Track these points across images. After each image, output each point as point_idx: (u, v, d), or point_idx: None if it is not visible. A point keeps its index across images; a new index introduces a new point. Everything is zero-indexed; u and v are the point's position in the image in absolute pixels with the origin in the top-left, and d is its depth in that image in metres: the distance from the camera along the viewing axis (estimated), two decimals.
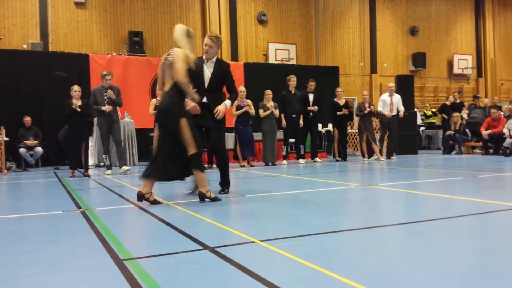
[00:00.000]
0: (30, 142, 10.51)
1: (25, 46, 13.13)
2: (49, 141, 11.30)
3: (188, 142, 4.37)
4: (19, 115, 10.98)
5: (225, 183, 5.34)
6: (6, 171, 9.56)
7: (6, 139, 9.66)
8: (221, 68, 5.18)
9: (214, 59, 5.19)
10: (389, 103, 10.77)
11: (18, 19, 13.30)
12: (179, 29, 4.81)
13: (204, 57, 5.20)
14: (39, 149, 10.62)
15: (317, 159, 10.58)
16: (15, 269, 2.38)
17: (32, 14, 13.43)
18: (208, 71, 5.12)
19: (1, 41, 12.87)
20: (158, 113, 4.72)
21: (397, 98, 10.87)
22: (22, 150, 10.42)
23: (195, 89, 4.90)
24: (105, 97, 8.33)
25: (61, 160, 11.05)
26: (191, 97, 4.55)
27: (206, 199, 4.54)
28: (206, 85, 5.09)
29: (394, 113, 10.77)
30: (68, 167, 8.63)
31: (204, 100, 4.99)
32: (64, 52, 12.78)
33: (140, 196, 4.42)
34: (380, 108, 10.91)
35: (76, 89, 8.18)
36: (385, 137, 10.99)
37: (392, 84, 11.07)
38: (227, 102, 5.08)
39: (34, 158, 10.66)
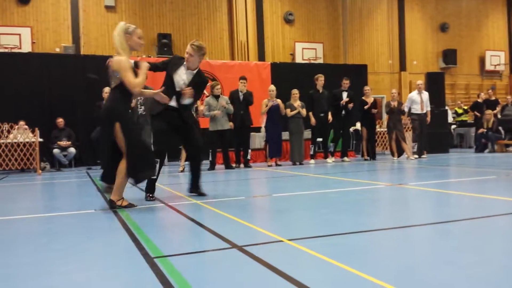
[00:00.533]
0: (63, 143, 10.80)
1: (57, 50, 13.50)
2: (82, 142, 11.58)
3: (121, 146, 4.20)
4: (52, 116, 11.30)
5: (198, 186, 5.11)
6: (40, 171, 9.85)
7: (41, 140, 9.95)
8: (200, 79, 4.94)
9: (195, 71, 4.88)
10: (419, 101, 10.61)
11: (51, 23, 13.68)
12: (117, 30, 4.34)
13: (184, 63, 4.89)
14: (72, 150, 10.90)
15: (345, 158, 10.50)
16: (51, 266, 2.46)
17: (64, 18, 13.79)
18: (185, 77, 4.83)
19: (35, 45, 13.27)
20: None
21: (426, 95, 10.71)
22: (55, 150, 10.71)
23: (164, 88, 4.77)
24: (139, 100, 8.44)
25: (94, 160, 11.32)
26: (159, 97, 4.66)
27: (116, 207, 4.26)
28: (177, 89, 4.80)
29: (425, 110, 10.62)
30: (100, 167, 8.82)
31: (173, 103, 4.78)
32: (95, 55, 13.06)
33: (112, 203, 4.29)
34: (406, 108, 10.80)
35: (107, 91, 8.36)
36: (421, 135, 10.83)
37: (420, 82, 10.90)
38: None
39: (67, 159, 10.95)
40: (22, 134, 9.85)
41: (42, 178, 8.78)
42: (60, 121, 10.96)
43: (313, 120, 9.89)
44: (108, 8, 14.24)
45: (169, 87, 4.79)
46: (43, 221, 3.98)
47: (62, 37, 13.73)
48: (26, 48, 12.78)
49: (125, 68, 4.20)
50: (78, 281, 2.18)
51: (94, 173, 9.32)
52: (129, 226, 3.45)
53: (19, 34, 12.91)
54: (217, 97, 9.13)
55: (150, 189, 4.84)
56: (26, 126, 10.10)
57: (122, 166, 4.22)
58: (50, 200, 5.75)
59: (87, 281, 2.18)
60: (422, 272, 2.16)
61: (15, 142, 9.74)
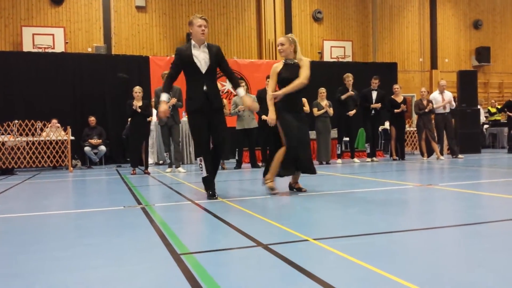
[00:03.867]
0: (94, 141, 11.04)
1: (89, 50, 13.81)
2: (112, 140, 11.81)
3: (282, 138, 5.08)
4: (84, 115, 11.58)
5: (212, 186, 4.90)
6: (72, 168, 10.10)
7: (72, 138, 10.20)
8: (215, 50, 4.84)
9: (206, 45, 4.81)
10: (441, 100, 10.45)
11: (83, 24, 14.00)
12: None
13: (193, 42, 4.76)
14: (102, 148, 11.13)
15: (373, 158, 10.38)
16: (83, 260, 2.52)
17: (96, 19, 14.09)
18: (203, 55, 4.74)
19: (68, 45, 13.61)
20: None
21: (448, 95, 10.51)
22: (87, 148, 10.97)
23: (190, 77, 4.81)
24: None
25: (124, 157, 11.53)
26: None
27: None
28: (204, 70, 4.74)
29: (448, 110, 10.44)
30: (130, 165, 8.98)
31: (204, 88, 4.74)
32: (126, 55, 13.31)
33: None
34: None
35: (137, 90, 8.48)
36: (444, 136, 10.63)
37: (443, 82, 10.72)
38: (241, 91, 4.95)
39: (98, 156, 11.19)
40: (55, 132, 10.12)
41: (74, 175, 9.00)
42: (92, 119, 11.21)
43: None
44: (139, 8, 14.48)
45: (194, 73, 4.74)
46: (74, 217, 4.09)
47: (94, 37, 14.03)
48: (59, 48, 13.13)
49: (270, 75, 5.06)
50: (107, 276, 2.23)
51: (123, 170, 9.49)
52: (157, 222, 3.51)
53: (53, 34, 13.27)
54: None
55: (209, 187, 4.88)
56: (59, 125, 10.38)
57: (280, 153, 4.96)
58: (81, 197, 5.89)
59: (116, 276, 2.23)
60: (451, 274, 2.11)
61: (48, 140, 10.01)
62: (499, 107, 15.87)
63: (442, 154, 10.52)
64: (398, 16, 17.47)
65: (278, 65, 5.05)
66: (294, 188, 5.20)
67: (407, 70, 17.37)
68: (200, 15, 4.78)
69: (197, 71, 4.72)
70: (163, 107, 4.73)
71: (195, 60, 4.69)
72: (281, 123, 5.01)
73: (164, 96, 4.77)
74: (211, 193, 4.78)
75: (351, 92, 9.81)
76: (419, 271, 2.16)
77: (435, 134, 10.60)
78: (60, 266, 2.41)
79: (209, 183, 4.85)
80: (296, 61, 4.99)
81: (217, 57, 4.80)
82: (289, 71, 4.94)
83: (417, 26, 17.67)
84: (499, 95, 18.46)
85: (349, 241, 2.76)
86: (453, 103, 10.63)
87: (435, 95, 10.63)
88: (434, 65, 17.74)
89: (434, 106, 10.38)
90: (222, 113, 5.00)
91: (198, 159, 4.86)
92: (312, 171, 5.04)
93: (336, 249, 2.54)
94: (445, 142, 10.86)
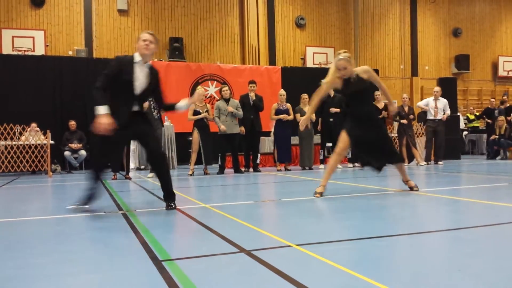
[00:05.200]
0: (74, 145, 10.88)
1: (70, 53, 13.64)
2: (92, 144, 11.65)
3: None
4: (64, 119, 11.41)
5: (171, 196, 4.48)
6: (51, 173, 9.93)
7: (52, 142, 10.04)
8: (155, 74, 4.45)
9: (150, 63, 4.39)
10: (433, 106, 10.59)
11: (64, 27, 13.84)
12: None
13: (138, 57, 4.29)
14: (83, 152, 10.98)
15: (355, 163, 10.45)
16: (62, 267, 2.46)
17: (77, 22, 13.94)
18: (141, 76, 4.29)
19: (48, 47, 13.42)
20: None
21: (443, 102, 10.68)
22: (66, 153, 10.80)
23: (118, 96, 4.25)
24: (151, 102, 8.43)
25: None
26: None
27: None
28: (138, 91, 4.27)
29: (439, 117, 10.59)
30: (110, 170, 8.87)
31: (132, 109, 4.29)
32: (107, 58, 13.15)
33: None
34: (422, 104, 10.85)
35: None
36: (431, 142, 10.78)
37: (437, 89, 10.87)
38: (182, 103, 4.58)
39: (78, 161, 11.03)
40: (34, 136, 9.95)
41: (53, 180, 8.85)
42: (72, 123, 11.06)
43: (319, 126, 9.97)
44: (121, 12, 14.38)
45: (126, 92, 4.23)
46: (53, 222, 4.01)
47: (75, 40, 13.88)
48: (40, 51, 12.94)
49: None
50: (86, 283, 2.18)
51: (104, 175, 9.35)
52: (138, 228, 3.46)
53: (33, 37, 13.08)
54: (227, 100, 9.14)
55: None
56: (38, 129, 10.21)
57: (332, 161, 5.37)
58: (60, 202, 5.78)
59: (95, 283, 2.18)
60: (434, 279, 2.12)
61: (27, 144, 9.84)
62: (477, 114, 16.18)
63: (429, 160, 10.67)
64: (379, 23, 17.69)
65: (335, 82, 5.22)
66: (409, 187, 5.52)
67: (388, 77, 17.59)
68: (150, 31, 4.41)
69: (130, 91, 4.24)
70: (107, 120, 4.07)
71: (134, 79, 4.23)
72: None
73: (102, 109, 4.07)
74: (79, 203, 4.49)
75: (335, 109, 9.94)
76: (401, 276, 2.17)
77: (416, 140, 10.75)
78: (38, 273, 2.35)
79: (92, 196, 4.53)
80: (355, 73, 5.12)
81: (155, 81, 4.44)
82: (347, 86, 5.13)
83: (398, 33, 17.93)
84: (477, 102, 18.83)
85: (332, 247, 2.76)
86: (448, 113, 10.77)
87: (429, 101, 10.79)
88: (414, 72, 18.00)
89: (427, 112, 10.60)
90: (149, 124, 4.57)
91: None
92: (393, 160, 5.41)
93: (319, 255, 2.53)
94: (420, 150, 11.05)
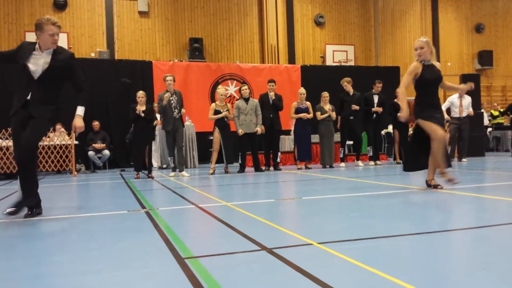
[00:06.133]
0: (98, 145, 11.08)
1: (92, 55, 13.87)
2: (115, 144, 11.84)
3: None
4: (87, 119, 11.56)
5: (35, 203, 4.30)
6: (76, 172, 10.12)
7: (76, 142, 10.23)
8: (63, 57, 4.22)
9: (52, 49, 4.18)
10: (458, 104, 10.47)
11: (86, 29, 14.07)
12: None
13: (38, 46, 4.15)
14: (106, 152, 11.16)
15: (377, 161, 10.37)
16: (85, 265, 2.52)
17: (99, 24, 14.16)
18: (43, 60, 4.12)
19: (71, 50, 13.66)
20: None
21: (467, 100, 10.55)
22: (90, 153, 11.00)
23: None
24: (172, 102, 8.57)
25: (127, 161, 11.54)
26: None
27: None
28: (36, 76, 4.10)
29: (464, 115, 10.47)
30: (133, 169, 9.00)
31: (28, 97, 4.10)
32: (129, 60, 13.36)
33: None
34: (444, 108, 10.64)
35: (140, 95, 8.51)
36: (455, 139, 10.65)
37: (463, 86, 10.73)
38: (80, 110, 4.29)
39: (102, 161, 11.22)
40: (59, 137, 10.15)
41: (78, 179, 9.02)
42: (96, 124, 11.25)
43: (338, 124, 9.91)
44: (142, 13, 14.55)
45: (25, 77, 4.13)
46: (78, 221, 4.09)
47: (97, 42, 14.10)
48: None
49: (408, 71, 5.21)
50: (110, 280, 2.23)
51: (127, 174, 9.51)
52: (161, 227, 3.51)
53: None
54: (246, 99, 9.17)
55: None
56: (63, 129, 10.41)
57: (435, 147, 5.15)
58: (85, 201, 5.91)
59: (119, 280, 2.23)
60: (456, 277, 2.11)
61: (52, 145, 10.05)
62: (502, 110, 15.85)
63: (452, 157, 10.55)
64: (400, 20, 17.49)
65: (419, 66, 5.19)
66: (431, 185, 5.39)
67: None
68: (54, 21, 4.17)
69: (29, 76, 4.12)
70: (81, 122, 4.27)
71: (29, 64, 4.10)
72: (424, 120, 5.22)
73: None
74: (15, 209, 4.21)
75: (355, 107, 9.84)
76: (423, 274, 2.16)
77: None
78: (62, 271, 2.42)
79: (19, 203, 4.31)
80: (432, 62, 5.21)
81: (62, 66, 4.20)
82: (430, 73, 5.16)
83: (419, 30, 17.69)
84: (502, 98, 18.44)
85: (353, 245, 2.76)
86: (471, 110, 10.63)
87: (454, 98, 10.68)
88: None
89: (451, 109, 10.45)
90: (41, 119, 4.23)
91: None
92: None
93: (340, 253, 2.54)
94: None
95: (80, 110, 4.34)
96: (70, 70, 4.27)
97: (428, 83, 5.19)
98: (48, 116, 4.24)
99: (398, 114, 5.40)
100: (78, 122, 4.32)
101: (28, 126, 4.10)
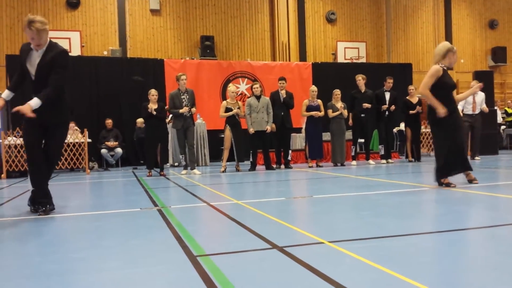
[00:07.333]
0: (110, 143, 11.17)
1: (105, 53, 13.98)
2: (128, 142, 11.93)
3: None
4: (100, 118, 11.72)
5: (47, 198, 4.40)
6: (89, 170, 10.22)
7: (89, 140, 10.33)
8: (52, 53, 4.19)
9: (45, 47, 4.21)
10: (471, 101, 10.33)
11: (99, 28, 14.18)
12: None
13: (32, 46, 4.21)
14: (119, 150, 11.26)
15: (389, 159, 10.31)
16: (100, 262, 2.56)
17: (112, 22, 14.26)
18: (37, 59, 4.17)
19: (84, 48, 13.79)
20: None
21: (481, 96, 10.39)
22: (103, 151, 11.10)
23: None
24: (184, 100, 8.62)
25: (137, 160, 11.62)
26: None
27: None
28: (33, 77, 4.17)
29: (477, 112, 10.32)
30: (145, 167, 9.06)
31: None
32: (141, 58, 13.44)
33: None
34: (460, 107, 10.52)
35: (153, 93, 8.57)
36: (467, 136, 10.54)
37: (475, 83, 10.61)
38: (34, 102, 3.97)
39: (115, 159, 11.31)
40: (72, 135, 10.25)
41: (91, 177, 9.11)
42: (109, 122, 11.35)
43: (350, 121, 9.84)
44: (153, 11, 14.62)
45: (29, 79, 4.22)
46: (92, 218, 4.15)
47: (110, 41, 14.21)
48: (76, 51, 13.31)
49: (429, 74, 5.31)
50: (123, 278, 2.26)
51: (139, 172, 9.58)
52: (173, 224, 3.54)
53: (69, 38, 13.48)
54: (258, 97, 9.18)
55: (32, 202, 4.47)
56: (76, 127, 10.51)
57: None
58: (98, 198, 5.97)
59: (132, 277, 2.26)
60: (468, 277, 2.10)
61: (65, 143, 10.15)
62: None
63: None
64: (412, 16, 17.35)
65: (440, 69, 5.30)
66: (444, 184, 5.49)
67: (422, 71, 17.21)
68: (31, 21, 4.12)
69: (29, 77, 4.20)
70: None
71: (27, 65, 4.17)
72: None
73: (4, 94, 4.23)
74: (33, 208, 4.40)
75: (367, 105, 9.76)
76: (434, 273, 2.16)
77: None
78: (76, 268, 2.46)
79: (32, 199, 4.45)
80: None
81: (51, 62, 4.15)
82: (449, 77, 5.40)
83: (432, 26, 17.53)
84: None
85: (365, 244, 2.76)
86: (484, 106, 10.49)
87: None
88: None
89: (464, 106, 10.33)
90: (59, 127, 4.32)
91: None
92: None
93: (352, 251, 2.54)
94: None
95: (34, 102, 3.98)
96: (54, 67, 4.15)
97: (447, 86, 5.33)
98: (62, 120, 4.34)
99: (437, 114, 5.32)
100: (25, 108, 3.94)
101: (49, 139, 4.23)
